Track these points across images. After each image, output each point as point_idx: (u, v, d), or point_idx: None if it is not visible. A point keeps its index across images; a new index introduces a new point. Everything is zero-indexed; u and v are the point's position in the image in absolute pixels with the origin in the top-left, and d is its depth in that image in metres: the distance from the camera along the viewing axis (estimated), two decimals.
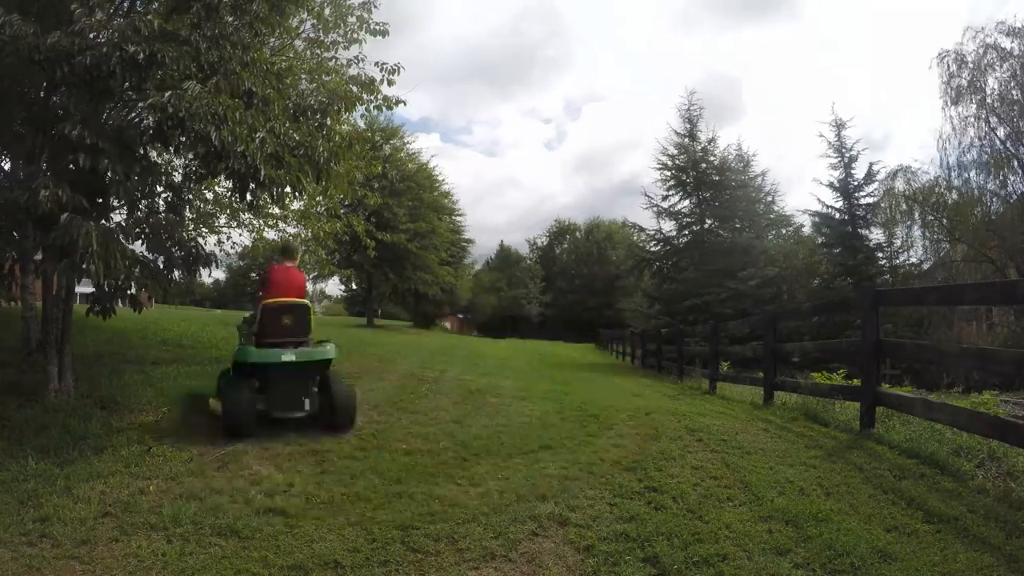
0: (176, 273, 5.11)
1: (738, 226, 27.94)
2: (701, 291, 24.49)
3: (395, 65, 6.94)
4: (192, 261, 5.12)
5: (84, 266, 4.20)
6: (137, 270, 4.64)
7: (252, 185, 5.05)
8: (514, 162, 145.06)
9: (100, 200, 4.90)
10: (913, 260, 22.75)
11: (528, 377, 9.12)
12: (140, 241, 4.85)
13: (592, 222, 58.70)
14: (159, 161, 5.93)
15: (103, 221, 4.74)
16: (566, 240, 60.93)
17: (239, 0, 4.86)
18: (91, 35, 4.20)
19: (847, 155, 24.70)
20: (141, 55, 4.17)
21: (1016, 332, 17.35)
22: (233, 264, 54.99)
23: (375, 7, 7.33)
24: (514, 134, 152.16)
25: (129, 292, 4.87)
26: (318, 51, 7.60)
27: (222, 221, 9.67)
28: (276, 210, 9.75)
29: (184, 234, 5.38)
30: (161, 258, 4.99)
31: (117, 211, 5.58)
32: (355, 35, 7.47)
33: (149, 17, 4.27)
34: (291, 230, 11.15)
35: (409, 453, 4.34)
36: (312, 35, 7.53)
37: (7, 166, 5.89)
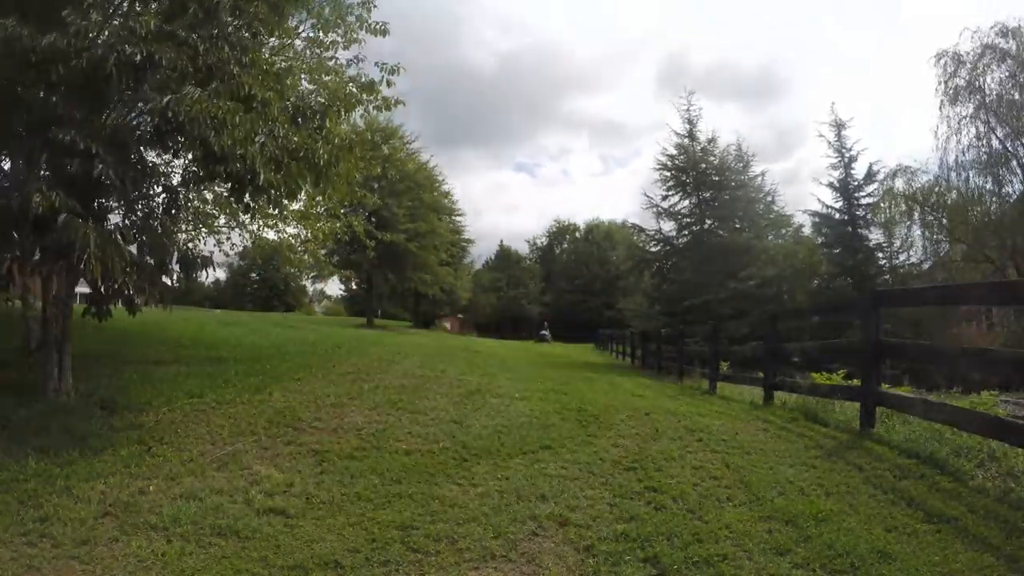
0: (166, 278, 5.10)
1: (738, 226, 27.89)
2: (701, 291, 24.45)
3: (395, 65, 6.92)
4: (197, 264, 5.12)
5: (81, 267, 4.19)
6: (134, 273, 4.63)
7: (249, 189, 5.04)
8: (576, 184, 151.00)
9: (96, 203, 4.89)
10: (913, 260, 22.81)
11: (528, 377, 9.11)
12: (135, 244, 4.85)
13: (592, 222, 58.77)
14: (158, 163, 5.92)
15: (103, 223, 4.73)
16: (566, 240, 60.93)
17: (238, 1, 4.85)
18: (88, 36, 4.18)
19: (847, 155, 24.73)
20: (138, 56, 4.16)
21: (1016, 332, 17.38)
22: (234, 264, 55.20)
23: (374, 6, 7.31)
24: (582, 163, 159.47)
25: (126, 293, 4.86)
26: (318, 51, 7.57)
27: (221, 222, 9.65)
28: (275, 211, 9.73)
29: (180, 236, 5.37)
30: (153, 260, 4.98)
31: (115, 212, 5.57)
32: (355, 35, 7.44)
33: (144, 18, 4.25)
34: (290, 230, 11.16)
35: (409, 453, 4.33)
36: (311, 35, 7.51)
37: (6, 166, 5.89)
